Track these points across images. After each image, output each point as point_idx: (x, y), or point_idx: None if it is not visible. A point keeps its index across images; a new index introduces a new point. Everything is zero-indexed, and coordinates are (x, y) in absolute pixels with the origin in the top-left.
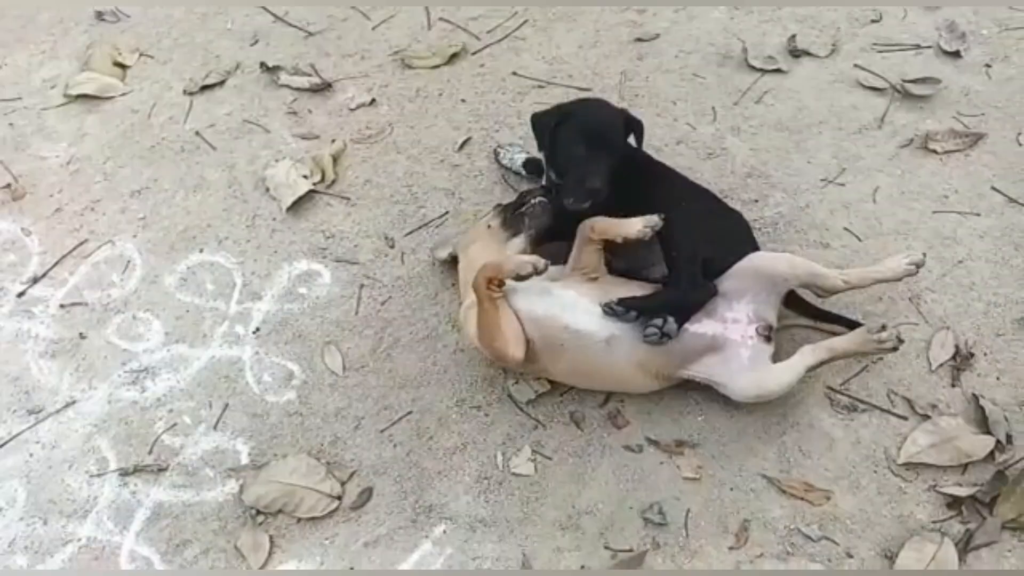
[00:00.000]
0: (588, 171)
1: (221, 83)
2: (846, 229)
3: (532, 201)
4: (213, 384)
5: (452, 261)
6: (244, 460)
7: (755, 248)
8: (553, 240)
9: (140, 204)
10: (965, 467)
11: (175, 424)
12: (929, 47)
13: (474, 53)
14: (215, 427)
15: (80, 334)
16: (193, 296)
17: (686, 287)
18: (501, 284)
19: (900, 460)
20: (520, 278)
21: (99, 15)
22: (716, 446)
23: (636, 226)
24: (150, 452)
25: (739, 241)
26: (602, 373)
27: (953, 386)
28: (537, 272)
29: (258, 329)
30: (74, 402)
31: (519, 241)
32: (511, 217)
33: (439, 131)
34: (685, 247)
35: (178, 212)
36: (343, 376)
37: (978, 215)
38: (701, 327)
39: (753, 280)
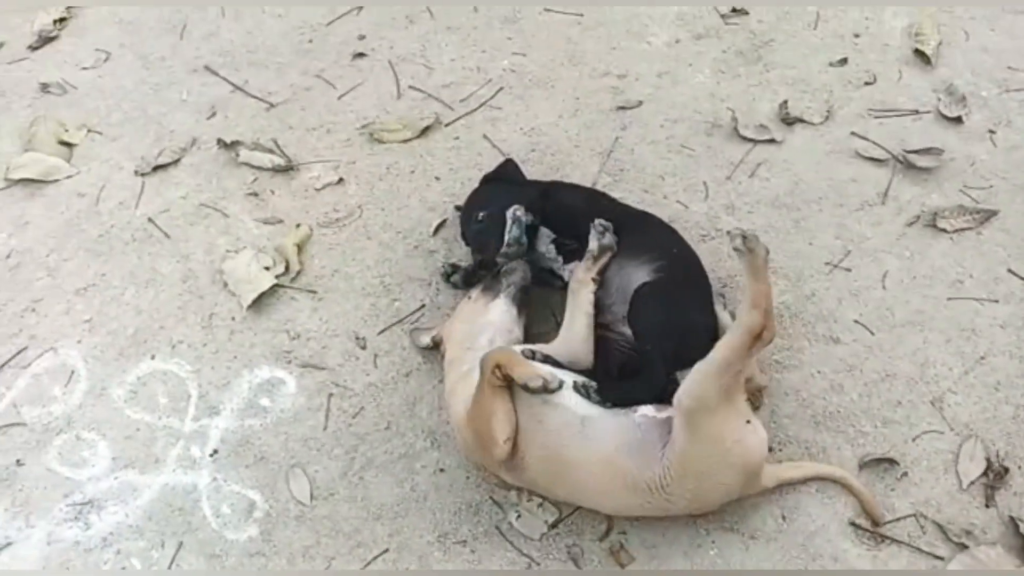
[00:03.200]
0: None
1: (176, 162)
2: (856, 321)
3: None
4: (166, 518)
5: (434, 347)
6: None
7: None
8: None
9: (86, 304)
10: None
11: (123, 568)
12: (928, 112)
13: (447, 124)
14: (168, 572)
15: (17, 461)
16: (144, 412)
17: (657, 382)
18: (506, 378)
19: None
20: (527, 389)
21: (44, 87)
22: None
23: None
24: None
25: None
26: (577, 467)
27: (987, 507)
28: (547, 391)
29: (216, 451)
30: (9, 544)
31: (501, 301)
32: (490, 283)
33: (412, 212)
34: (656, 339)
35: (128, 312)
36: (311, 506)
37: (996, 301)
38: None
39: None
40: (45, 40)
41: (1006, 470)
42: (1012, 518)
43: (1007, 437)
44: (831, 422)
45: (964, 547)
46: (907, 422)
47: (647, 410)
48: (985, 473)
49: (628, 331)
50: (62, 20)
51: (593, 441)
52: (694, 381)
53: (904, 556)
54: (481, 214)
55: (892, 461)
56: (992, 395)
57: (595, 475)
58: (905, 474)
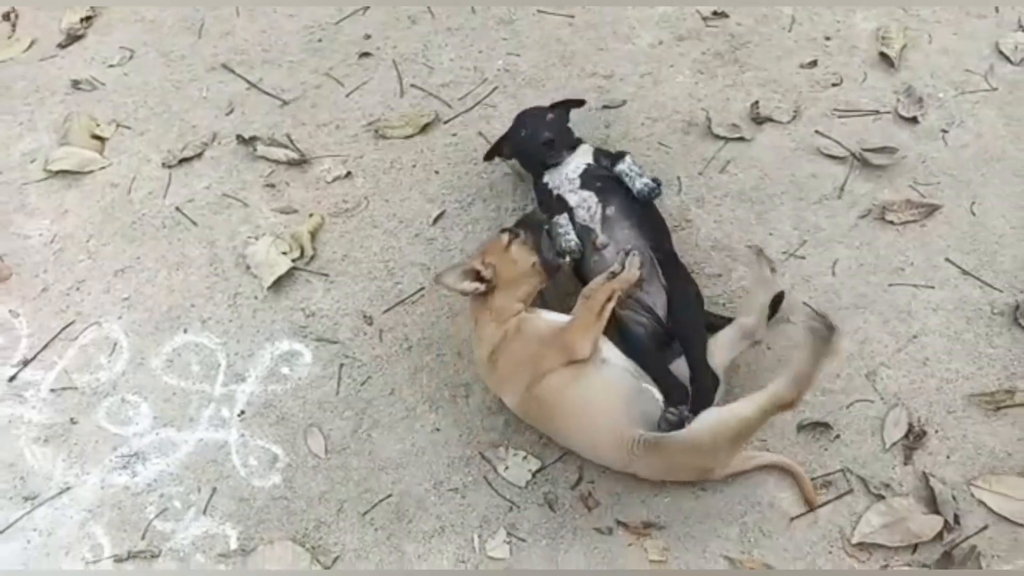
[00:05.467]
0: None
1: (199, 155)
2: (805, 304)
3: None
4: (201, 468)
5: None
6: (233, 545)
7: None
8: None
9: (124, 284)
10: (915, 547)
11: (166, 509)
12: (888, 112)
13: (446, 122)
14: (204, 512)
15: (71, 419)
16: (179, 379)
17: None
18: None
19: (854, 540)
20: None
21: (75, 83)
22: (682, 527)
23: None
24: (143, 537)
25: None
26: (578, 399)
27: (905, 464)
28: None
29: (243, 412)
30: (68, 488)
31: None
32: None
33: (414, 204)
34: (701, 346)
35: (161, 291)
36: (326, 459)
37: (932, 287)
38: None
39: None
40: (73, 38)
41: (924, 433)
42: (924, 473)
43: (929, 406)
44: None
45: (881, 497)
46: (843, 392)
47: (649, 385)
48: (906, 436)
49: (639, 294)
50: (88, 18)
51: (601, 380)
52: (713, 430)
53: (830, 504)
54: (551, 116)
55: (827, 425)
56: (920, 369)
57: (589, 410)
58: (838, 436)
